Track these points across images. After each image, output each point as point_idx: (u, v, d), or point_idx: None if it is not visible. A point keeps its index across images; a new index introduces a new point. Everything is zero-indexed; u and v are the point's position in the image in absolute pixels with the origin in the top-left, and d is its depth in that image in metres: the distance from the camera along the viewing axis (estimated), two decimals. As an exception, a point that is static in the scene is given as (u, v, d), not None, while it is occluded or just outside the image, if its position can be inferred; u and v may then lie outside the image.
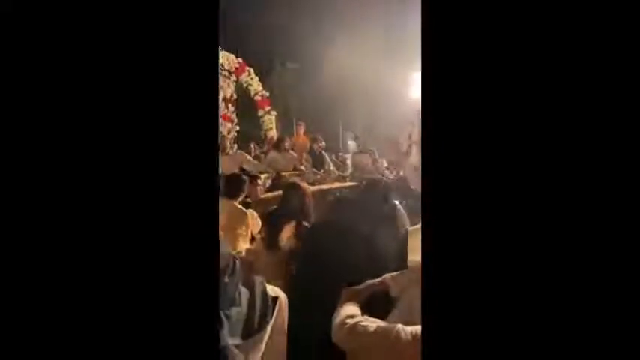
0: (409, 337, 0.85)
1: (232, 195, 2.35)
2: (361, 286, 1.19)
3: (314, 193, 2.42)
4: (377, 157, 4.80)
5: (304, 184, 2.27)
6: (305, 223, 1.94)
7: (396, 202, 2.14)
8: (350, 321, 0.94)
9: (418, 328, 0.86)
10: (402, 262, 1.33)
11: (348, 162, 5.01)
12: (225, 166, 3.45)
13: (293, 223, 1.90)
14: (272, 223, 1.98)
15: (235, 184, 2.40)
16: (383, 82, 7.27)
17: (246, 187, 2.47)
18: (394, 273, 1.23)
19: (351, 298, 1.11)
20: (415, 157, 4.20)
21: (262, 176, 3.37)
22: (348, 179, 4.20)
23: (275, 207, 2.15)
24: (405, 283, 1.19)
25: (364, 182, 2.05)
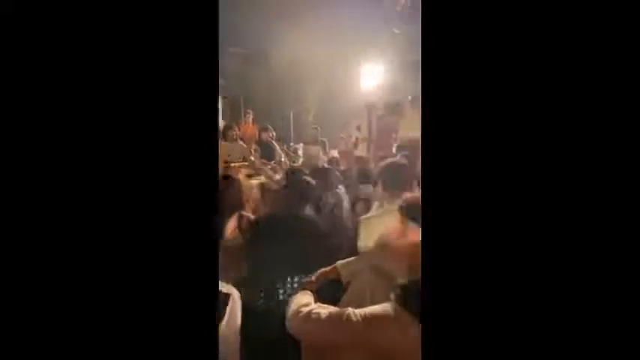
0: (359, 319, 0.88)
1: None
2: (313, 276, 1.22)
3: (263, 185, 2.40)
4: (327, 148, 4.85)
5: (240, 176, 2.24)
6: (250, 216, 1.92)
7: (341, 192, 2.20)
8: (304, 309, 0.96)
9: (367, 310, 0.90)
10: (352, 250, 1.38)
11: (300, 152, 5.02)
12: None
13: (235, 217, 1.87)
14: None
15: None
16: (334, 73, 7.32)
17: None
18: (344, 260, 1.28)
19: (303, 288, 1.13)
20: (361, 152, 4.31)
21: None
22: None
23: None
24: (356, 269, 1.24)
25: (310, 171, 2.07)
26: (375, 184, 1.63)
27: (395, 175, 1.71)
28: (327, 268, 1.26)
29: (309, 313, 0.94)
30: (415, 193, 1.05)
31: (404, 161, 2.07)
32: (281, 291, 1.38)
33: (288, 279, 1.38)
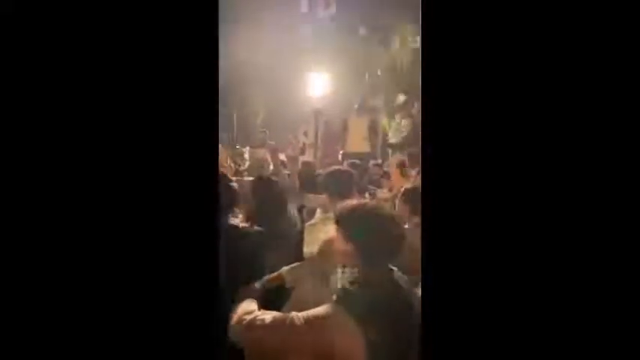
0: (302, 321, 0.91)
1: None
2: (257, 283, 1.23)
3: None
4: (275, 151, 4.83)
5: None
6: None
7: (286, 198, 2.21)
8: (247, 317, 0.97)
9: (310, 312, 0.94)
10: (298, 255, 1.41)
11: (246, 155, 4.95)
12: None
13: None
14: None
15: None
16: (281, 76, 7.32)
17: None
18: (289, 266, 1.30)
19: (247, 296, 1.14)
20: (308, 157, 4.36)
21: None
22: (245, 174, 4.15)
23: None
24: (300, 274, 1.27)
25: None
26: (321, 191, 1.67)
27: (339, 182, 1.78)
28: (272, 275, 1.28)
29: (253, 320, 0.95)
30: (350, 201, 1.10)
31: (348, 169, 2.15)
32: (226, 300, 1.37)
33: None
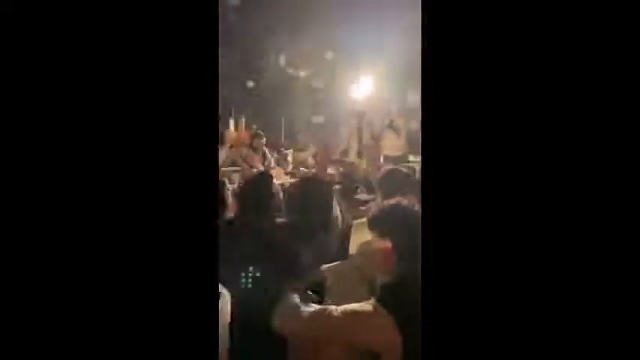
0: (340, 314, 0.96)
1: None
2: (298, 279, 1.27)
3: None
4: (317, 153, 4.89)
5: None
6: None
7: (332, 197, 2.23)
8: (290, 310, 1.02)
9: (348, 306, 0.98)
10: (343, 253, 1.42)
11: (289, 158, 5.05)
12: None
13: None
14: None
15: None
16: (325, 77, 7.38)
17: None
18: (330, 264, 1.32)
19: (291, 290, 1.18)
20: (353, 157, 4.37)
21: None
22: (289, 175, 4.23)
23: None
24: (340, 272, 1.28)
25: (300, 179, 2.10)
26: (374, 191, 1.67)
27: (395, 182, 1.77)
28: (314, 272, 1.31)
29: (296, 312, 1.00)
30: (382, 204, 1.12)
31: (404, 169, 2.13)
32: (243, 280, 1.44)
33: (250, 269, 1.42)
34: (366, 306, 0.96)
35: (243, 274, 1.41)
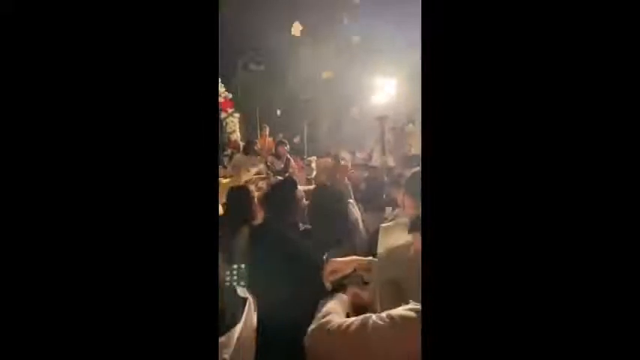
0: (387, 320, 0.86)
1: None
2: (346, 259, 1.22)
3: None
4: (341, 160, 4.92)
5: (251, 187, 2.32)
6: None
7: (350, 201, 2.25)
8: (326, 326, 0.93)
9: (393, 312, 0.87)
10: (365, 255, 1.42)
11: (313, 165, 5.10)
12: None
13: (246, 228, 1.89)
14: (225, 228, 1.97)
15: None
16: (347, 85, 7.41)
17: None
18: (372, 258, 1.29)
19: (333, 272, 1.16)
20: (375, 163, 4.36)
21: (224, 180, 3.36)
22: (312, 182, 4.28)
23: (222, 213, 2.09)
24: (376, 270, 1.27)
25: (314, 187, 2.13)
26: (405, 192, 1.64)
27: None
28: (362, 258, 1.23)
29: (332, 327, 0.90)
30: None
31: None
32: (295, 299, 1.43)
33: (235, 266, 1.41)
34: (411, 312, 0.86)
35: (227, 272, 1.33)
